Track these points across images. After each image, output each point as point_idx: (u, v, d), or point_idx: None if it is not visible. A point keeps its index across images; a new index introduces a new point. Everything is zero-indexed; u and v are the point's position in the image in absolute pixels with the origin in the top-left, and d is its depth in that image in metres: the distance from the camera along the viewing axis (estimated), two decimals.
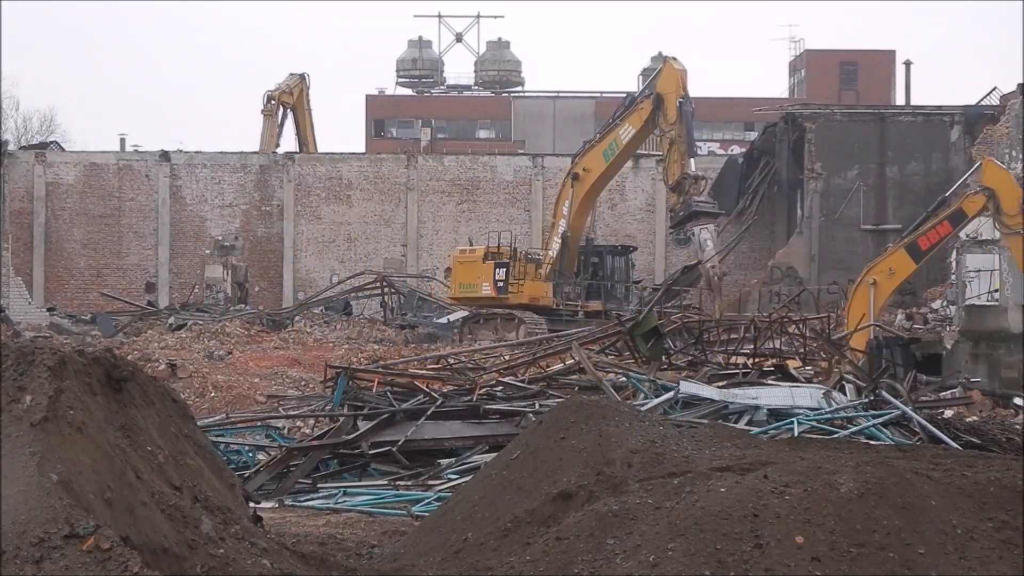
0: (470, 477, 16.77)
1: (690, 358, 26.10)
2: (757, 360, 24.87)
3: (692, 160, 49.94)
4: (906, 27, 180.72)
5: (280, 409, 26.23)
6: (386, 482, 19.62)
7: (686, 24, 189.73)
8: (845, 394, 22.52)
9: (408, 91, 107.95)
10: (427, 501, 17.75)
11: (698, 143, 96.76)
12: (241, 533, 9.63)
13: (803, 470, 10.42)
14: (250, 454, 21.42)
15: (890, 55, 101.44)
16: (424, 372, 25.99)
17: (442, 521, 12.07)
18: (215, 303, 60.61)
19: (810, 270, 57.77)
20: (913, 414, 21.32)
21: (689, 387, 21.71)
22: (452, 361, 29.02)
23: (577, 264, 52.04)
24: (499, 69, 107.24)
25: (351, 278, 60.67)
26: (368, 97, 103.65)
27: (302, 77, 70.05)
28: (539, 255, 52.67)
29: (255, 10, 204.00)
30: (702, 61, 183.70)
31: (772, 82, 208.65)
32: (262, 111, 68.63)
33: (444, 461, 20.28)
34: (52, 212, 65.02)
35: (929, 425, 21.03)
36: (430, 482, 19.34)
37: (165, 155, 65.75)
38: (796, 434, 19.37)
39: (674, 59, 51.17)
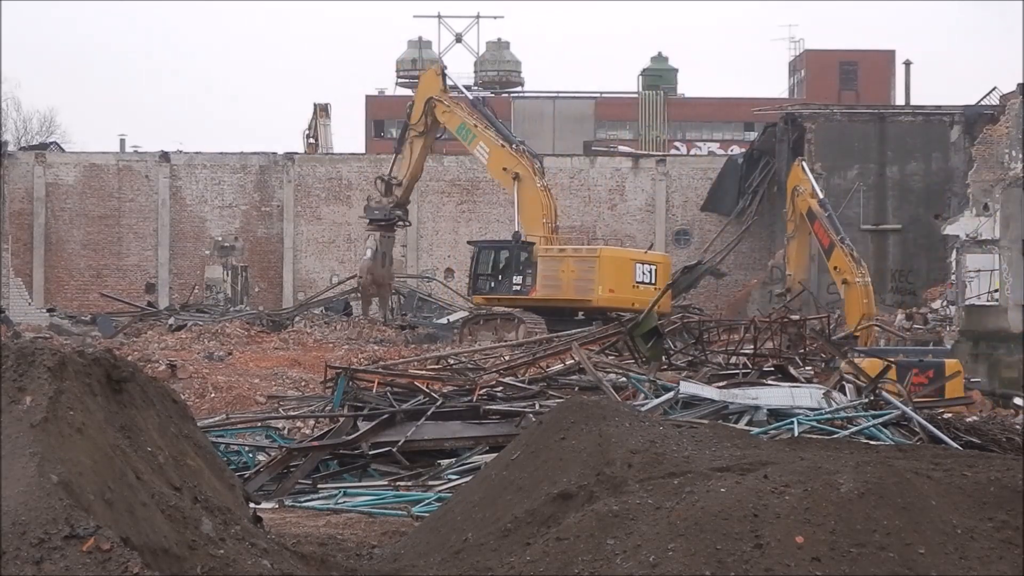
0: (470, 477, 16.75)
1: (690, 358, 26.07)
2: (757, 360, 24.84)
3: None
4: (906, 27, 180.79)
5: (280, 410, 26.22)
6: (386, 483, 19.60)
7: (686, 24, 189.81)
8: (845, 394, 22.50)
9: (408, 91, 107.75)
10: (427, 502, 17.72)
11: (697, 143, 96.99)
12: (241, 534, 9.63)
13: (803, 470, 10.41)
14: (250, 455, 21.40)
15: (890, 55, 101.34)
16: (424, 373, 25.96)
17: (442, 521, 12.06)
18: (215, 304, 60.66)
19: (810, 270, 57.77)
20: (913, 414, 21.30)
21: (689, 387, 21.66)
22: (452, 361, 29.00)
23: None
24: (499, 69, 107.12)
25: (351, 278, 60.66)
26: (368, 97, 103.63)
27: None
28: None
29: (255, 10, 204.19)
30: (702, 61, 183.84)
31: (772, 82, 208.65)
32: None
33: (444, 462, 20.25)
34: (52, 213, 65.03)
35: (929, 425, 21.00)
36: (430, 483, 19.30)
37: (165, 156, 65.77)
38: (796, 434, 19.35)
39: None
